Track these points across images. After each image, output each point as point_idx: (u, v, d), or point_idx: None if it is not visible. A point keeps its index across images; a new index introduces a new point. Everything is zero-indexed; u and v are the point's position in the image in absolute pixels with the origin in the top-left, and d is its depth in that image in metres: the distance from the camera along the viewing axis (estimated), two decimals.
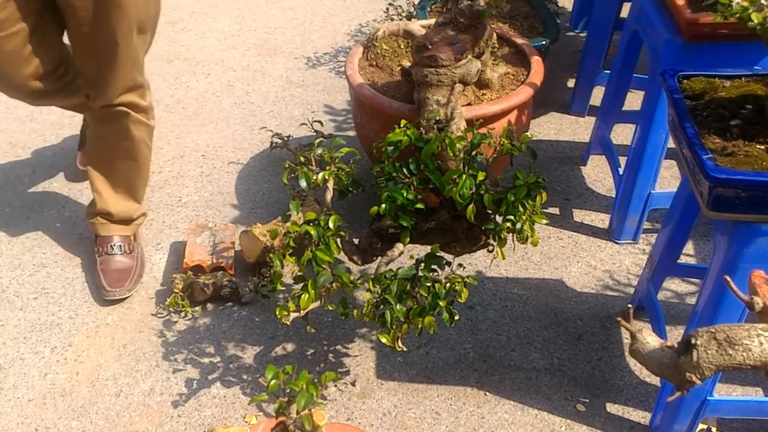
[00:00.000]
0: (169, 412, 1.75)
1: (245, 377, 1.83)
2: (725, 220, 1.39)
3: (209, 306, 2.00)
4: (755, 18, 1.19)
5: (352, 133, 2.56)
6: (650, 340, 0.87)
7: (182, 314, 1.97)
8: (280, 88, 2.87)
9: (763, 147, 1.36)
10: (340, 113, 2.75)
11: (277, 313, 1.55)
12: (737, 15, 1.18)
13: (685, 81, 1.53)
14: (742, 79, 1.54)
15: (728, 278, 0.90)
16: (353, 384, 1.81)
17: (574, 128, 2.66)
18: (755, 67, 1.67)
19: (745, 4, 1.17)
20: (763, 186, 1.29)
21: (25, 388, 1.80)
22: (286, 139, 2.21)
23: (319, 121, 2.25)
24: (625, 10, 2.28)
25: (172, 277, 1.99)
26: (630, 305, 0.93)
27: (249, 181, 2.43)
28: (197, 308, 1.99)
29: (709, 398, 1.59)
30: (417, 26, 2.05)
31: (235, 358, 1.87)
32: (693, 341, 0.82)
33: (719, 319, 1.47)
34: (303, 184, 1.71)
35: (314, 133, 2.11)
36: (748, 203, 1.32)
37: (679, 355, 0.84)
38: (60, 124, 2.63)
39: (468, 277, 1.57)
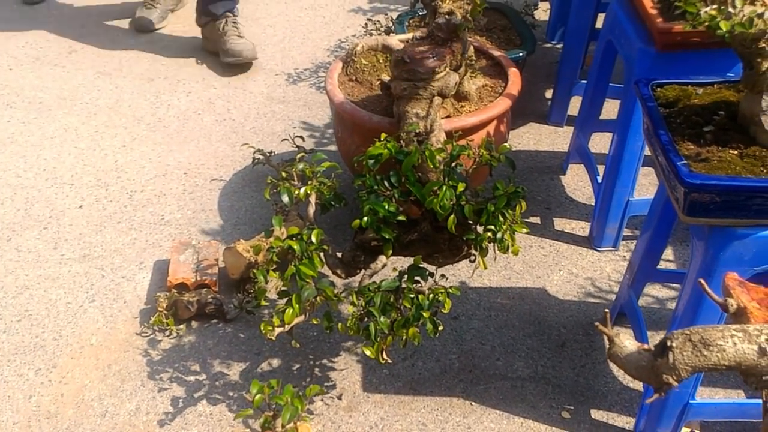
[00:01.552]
0: (156, 431, 1.75)
1: (231, 394, 1.83)
2: (701, 225, 1.41)
3: (194, 324, 2.00)
4: (723, 26, 1.22)
5: (333, 148, 2.57)
6: (628, 343, 0.89)
7: (167, 333, 1.97)
8: (261, 104, 2.88)
9: (736, 152, 1.39)
10: (321, 128, 2.76)
11: (262, 328, 1.55)
12: (706, 23, 1.20)
13: (658, 89, 1.56)
14: (715, 86, 1.57)
15: (702, 281, 0.92)
16: (339, 398, 1.82)
17: (553, 138, 2.69)
18: (727, 74, 1.70)
19: (713, 12, 1.19)
20: (737, 190, 1.32)
21: (10, 411, 1.78)
22: (268, 155, 2.22)
23: (301, 137, 2.26)
24: (600, 21, 2.31)
25: (156, 296, 1.99)
26: (607, 310, 0.95)
27: (232, 198, 2.44)
28: (182, 326, 1.99)
29: (691, 402, 1.61)
30: (395, 41, 2.08)
31: (221, 375, 1.87)
32: (669, 343, 0.84)
33: (698, 323, 1.49)
34: (285, 199, 1.72)
35: (296, 149, 2.12)
36: (723, 208, 1.34)
37: (655, 357, 0.86)
38: (40, 145, 2.63)
39: (451, 287, 1.59)
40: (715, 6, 1.20)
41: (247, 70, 3.05)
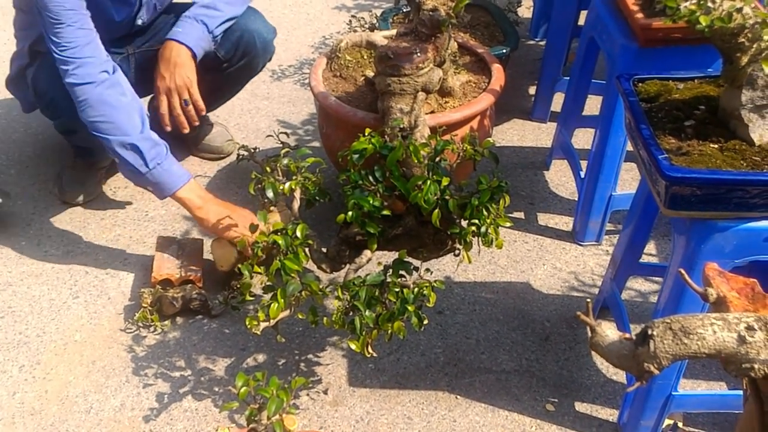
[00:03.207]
0: (141, 427, 1.74)
1: (217, 389, 1.83)
2: (683, 218, 1.43)
3: (179, 319, 2.00)
4: (703, 21, 1.23)
5: (318, 144, 2.57)
6: (609, 333, 0.90)
7: (151, 329, 1.97)
8: (245, 101, 2.87)
9: (716, 146, 1.41)
10: (305, 124, 2.76)
11: (247, 323, 1.56)
12: (686, 18, 1.22)
13: (640, 84, 1.57)
14: (695, 81, 1.59)
15: (683, 271, 0.93)
16: (325, 392, 1.82)
17: (537, 134, 2.71)
18: (708, 69, 1.72)
19: (693, 7, 1.21)
20: (717, 183, 1.33)
21: None
22: (252, 151, 2.21)
23: (285, 133, 2.26)
24: (583, 18, 2.33)
25: (140, 292, 1.99)
26: (589, 300, 0.96)
27: (216, 194, 2.41)
28: (167, 322, 1.98)
29: (674, 393, 1.63)
30: (379, 37, 2.08)
31: (206, 371, 1.87)
32: (649, 332, 0.85)
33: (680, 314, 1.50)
34: (270, 194, 1.72)
35: (280, 145, 2.12)
36: (703, 201, 1.36)
37: (636, 346, 0.87)
38: (23, 141, 2.61)
39: (436, 281, 1.59)
40: (694, 1, 1.21)
41: None
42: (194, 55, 2.13)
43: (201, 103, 2.16)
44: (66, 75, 1.92)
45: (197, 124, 2.21)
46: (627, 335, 0.90)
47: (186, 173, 2.01)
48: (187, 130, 2.19)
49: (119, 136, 1.92)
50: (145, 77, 2.19)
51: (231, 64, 2.31)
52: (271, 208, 1.99)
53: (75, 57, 1.91)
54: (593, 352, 1.03)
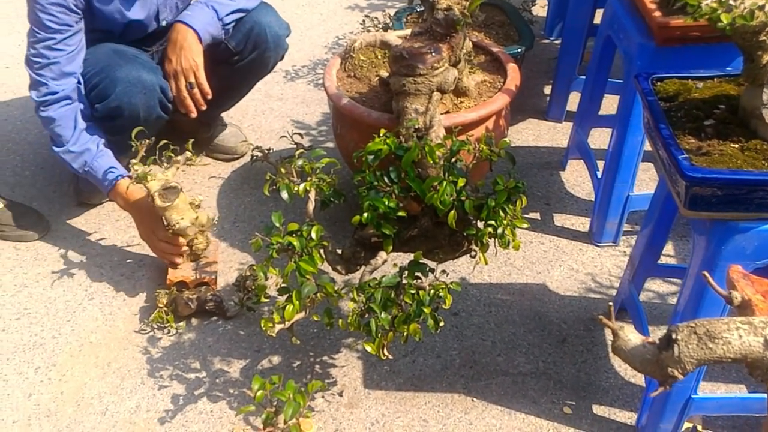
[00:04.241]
0: (156, 429, 1.74)
1: (232, 391, 1.82)
2: (703, 219, 1.41)
3: (194, 321, 2.00)
4: (724, 18, 1.21)
5: (332, 144, 2.56)
6: (632, 337, 0.88)
7: (166, 330, 1.97)
8: (259, 102, 2.87)
9: (736, 146, 1.39)
10: (319, 125, 2.76)
11: (263, 325, 1.55)
12: (707, 16, 1.20)
13: (658, 83, 1.55)
14: (715, 80, 1.57)
15: (706, 273, 0.92)
16: (341, 394, 1.81)
17: (552, 134, 2.69)
18: (727, 68, 1.70)
19: (714, 5, 1.19)
20: (739, 184, 1.31)
21: (9, 410, 1.78)
22: (266, 152, 2.20)
23: (299, 134, 2.25)
24: (599, 16, 2.31)
25: (156, 293, 1.98)
26: (611, 303, 0.94)
27: (230, 195, 2.43)
28: (182, 323, 1.98)
29: (693, 396, 1.61)
30: (393, 37, 2.07)
31: (221, 373, 1.86)
32: (674, 336, 0.84)
33: (700, 317, 1.48)
34: (285, 195, 1.71)
35: (294, 146, 2.11)
36: (724, 201, 1.34)
37: (660, 350, 0.85)
38: (39, 143, 2.62)
39: (452, 283, 1.58)
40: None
41: None
42: (200, 39, 2.13)
43: (206, 87, 2.15)
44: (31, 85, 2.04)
45: (204, 108, 2.20)
46: (650, 339, 0.89)
47: (109, 181, 2.06)
48: (194, 114, 2.18)
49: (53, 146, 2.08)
50: None
51: (242, 57, 2.30)
52: (171, 184, 1.96)
53: (40, 73, 2.01)
54: (614, 356, 1.02)
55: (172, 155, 1.95)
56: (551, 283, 2.10)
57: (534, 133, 2.69)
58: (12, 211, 2.26)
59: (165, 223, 1.95)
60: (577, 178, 2.48)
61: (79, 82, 2.06)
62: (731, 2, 1.19)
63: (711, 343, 0.81)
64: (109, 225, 2.31)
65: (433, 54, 1.81)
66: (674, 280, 2.07)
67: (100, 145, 2.07)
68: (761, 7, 1.20)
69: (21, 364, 1.89)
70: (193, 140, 2.06)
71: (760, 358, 0.81)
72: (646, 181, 2.39)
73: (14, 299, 2.06)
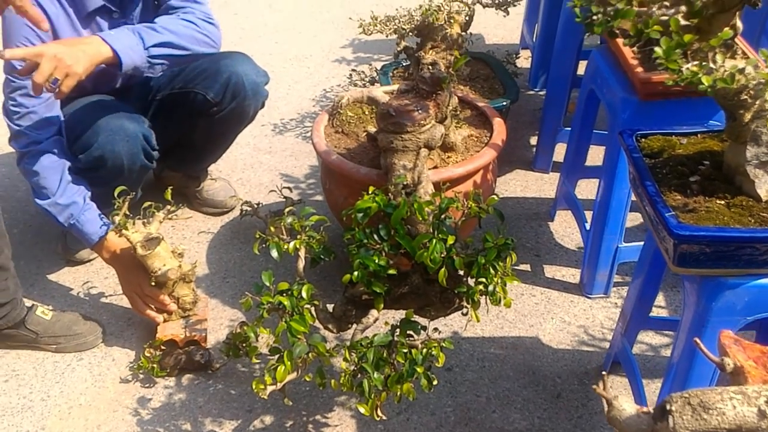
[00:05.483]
0: None
1: None
2: (692, 275, 1.42)
3: (184, 380, 1.97)
4: (705, 81, 1.23)
5: (320, 198, 2.57)
6: (626, 406, 0.88)
7: (156, 388, 1.94)
8: (247, 155, 2.89)
9: (722, 202, 1.40)
10: (308, 178, 2.77)
11: (254, 387, 1.54)
12: (688, 80, 1.22)
13: (643, 140, 1.57)
14: (698, 135, 1.59)
15: (697, 340, 0.92)
16: None
17: (540, 185, 2.71)
18: (710, 122, 1.73)
19: (695, 69, 1.21)
20: (726, 241, 1.32)
21: None
22: (255, 206, 2.21)
23: (288, 187, 2.26)
24: (582, 68, 2.34)
25: (144, 351, 1.97)
26: (604, 372, 0.94)
27: (220, 250, 2.43)
28: (171, 380, 1.96)
29: None
30: (380, 93, 2.09)
31: None
32: (668, 407, 0.83)
33: (695, 371, 1.48)
34: (274, 254, 1.71)
35: (284, 200, 2.12)
36: (712, 258, 1.34)
37: (655, 421, 0.85)
38: (26, 200, 2.61)
39: (444, 341, 1.58)
40: (696, 63, 1.22)
41: None
42: (121, 63, 1.93)
43: (65, 91, 1.87)
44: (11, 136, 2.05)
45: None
46: (645, 409, 0.88)
47: (95, 234, 2.06)
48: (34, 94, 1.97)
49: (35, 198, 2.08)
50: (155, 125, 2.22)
51: (221, 107, 2.30)
52: (153, 235, 1.96)
53: (19, 123, 2.01)
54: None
55: (155, 211, 1.95)
56: (544, 336, 2.10)
57: (521, 184, 2.71)
58: (62, 319, 2.10)
59: (149, 272, 1.95)
60: (566, 229, 2.49)
61: (61, 135, 2.06)
62: (711, 65, 1.22)
63: (705, 414, 0.81)
64: (98, 283, 2.29)
65: (420, 111, 1.83)
66: (667, 332, 2.07)
67: (87, 198, 2.07)
68: (741, 70, 1.23)
69: (10, 428, 1.85)
70: (171, 187, 2.05)
71: (755, 429, 0.81)
72: (635, 231, 2.40)
73: (2, 361, 2.03)
